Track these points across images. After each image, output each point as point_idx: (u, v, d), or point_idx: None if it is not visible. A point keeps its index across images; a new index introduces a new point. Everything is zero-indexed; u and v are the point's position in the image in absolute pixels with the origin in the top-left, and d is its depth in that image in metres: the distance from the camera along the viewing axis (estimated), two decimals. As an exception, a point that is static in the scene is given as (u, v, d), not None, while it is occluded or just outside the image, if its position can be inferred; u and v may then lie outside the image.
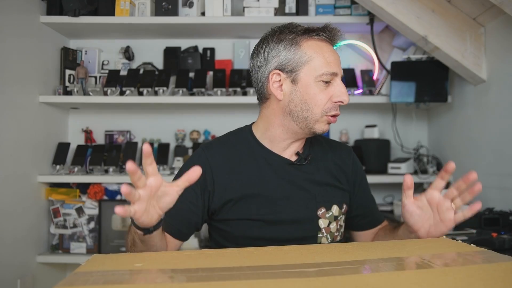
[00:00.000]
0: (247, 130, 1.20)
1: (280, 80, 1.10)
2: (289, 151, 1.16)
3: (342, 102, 1.09)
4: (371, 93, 2.36)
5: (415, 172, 2.35)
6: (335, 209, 1.17)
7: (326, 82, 1.08)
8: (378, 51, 2.36)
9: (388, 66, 2.33)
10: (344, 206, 1.20)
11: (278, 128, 1.13)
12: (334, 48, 1.14)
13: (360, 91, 2.38)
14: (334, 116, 1.11)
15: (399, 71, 2.25)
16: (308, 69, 1.07)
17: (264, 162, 1.14)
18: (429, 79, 2.23)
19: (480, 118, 2.04)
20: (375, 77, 2.43)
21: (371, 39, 2.31)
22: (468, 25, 1.99)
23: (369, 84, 2.37)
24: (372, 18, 2.24)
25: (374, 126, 2.48)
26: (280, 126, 1.13)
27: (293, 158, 1.17)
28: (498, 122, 1.90)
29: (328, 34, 1.10)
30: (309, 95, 1.07)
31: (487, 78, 1.98)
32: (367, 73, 2.42)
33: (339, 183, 1.20)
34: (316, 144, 1.23)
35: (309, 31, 1.09)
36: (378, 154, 2.40)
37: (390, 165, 2.34)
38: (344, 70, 2.43)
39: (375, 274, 0.61)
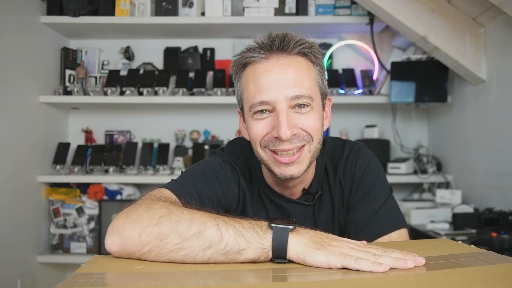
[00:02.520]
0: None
1: (241, 119, 1.00)
2: (296, 188, 1.00)
3: (277, 137, 0.87)
4: (371, 93, 2.36)
5: (414, 172, 2.35)
6: None
7: (263, 111, 0.89)
8: (378, 51, 2.36)
9: (388, 66, 2.33)
10: None
11: (265, 171, 1.00)
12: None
13: (360, 91, 2.38)
14: (277, 152, 0.89)
15: (399, 71, 2.25)
16: (246, 102, 0.93)
17: (268, 201, 1.02)
18: (429, 79, 2.23)
19: (480, 118, 2.04)
20: (375, 77, 2.43)
21: (371, 39, 2.31)
22: (468, 25, 1.99)
23: (369, 84, 2.37)
24: (372, 18, 2.24)
25: (374, 126, 2.48)
26: (264, 169, 1.00)
27: (300, 194, 1.01)
28: (498, 122, 1.90)
29: (264, 47, 0.89)
30: (251, 131, 0.92)
31: (486, 78, 1.98)
32: (367, 73, 2.42)
33: (344, 219, 1.03)
34: (327, 169, 1.04)
35: (247, 57, 0.91)
36: (378, 154, 2.36)
37: (390, 165, 2.35)
38: (344, 70, 2.43)
39: (375, 274, 0.62)
